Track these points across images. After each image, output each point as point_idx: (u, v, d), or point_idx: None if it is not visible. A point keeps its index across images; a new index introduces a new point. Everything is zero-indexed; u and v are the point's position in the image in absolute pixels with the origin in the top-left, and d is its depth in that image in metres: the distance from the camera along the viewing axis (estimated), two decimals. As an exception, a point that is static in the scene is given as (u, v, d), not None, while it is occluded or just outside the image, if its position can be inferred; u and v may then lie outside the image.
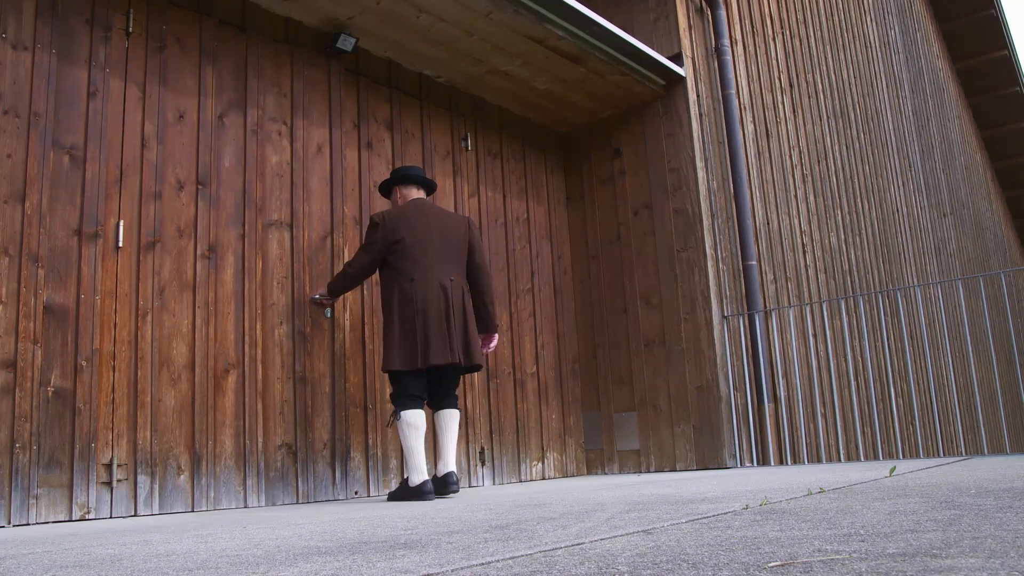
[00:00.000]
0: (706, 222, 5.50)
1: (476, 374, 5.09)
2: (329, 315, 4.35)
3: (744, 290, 5.68)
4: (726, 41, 6.02)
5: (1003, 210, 14.99)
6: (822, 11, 8.22)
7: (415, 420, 3.75)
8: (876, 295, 7.59)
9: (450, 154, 5.36)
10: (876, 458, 6.76)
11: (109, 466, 3.37)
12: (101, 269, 3.50)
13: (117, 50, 3.74)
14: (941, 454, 7.02)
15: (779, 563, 1.23)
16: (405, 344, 3.76)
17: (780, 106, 6.87)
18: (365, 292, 4.58)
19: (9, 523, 3.06)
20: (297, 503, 3.98)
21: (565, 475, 5.67)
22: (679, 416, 5.43)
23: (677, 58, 5.71)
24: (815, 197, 7.13)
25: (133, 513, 3.41)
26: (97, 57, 3.65)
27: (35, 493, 3.15)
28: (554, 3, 4.73)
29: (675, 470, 5.38)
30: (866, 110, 8.70)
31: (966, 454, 7.79)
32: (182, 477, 3.59)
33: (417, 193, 4.13)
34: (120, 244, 3.58)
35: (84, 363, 3.37)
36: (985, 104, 13.46)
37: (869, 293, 7.57)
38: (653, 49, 5.60)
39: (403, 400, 3.77)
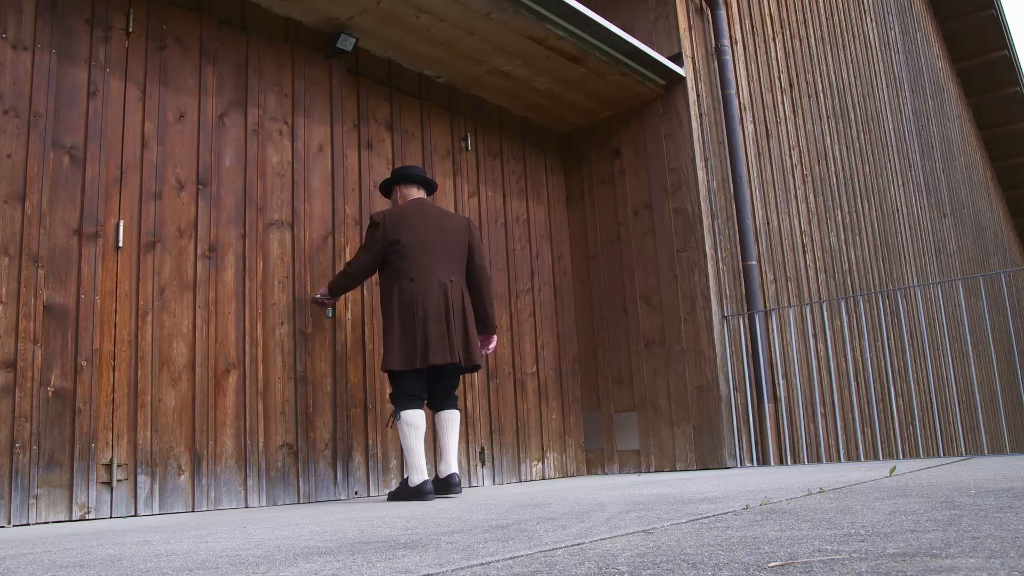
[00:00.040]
0: (706, 222, 5.50)
1: (476, 374, 5.09)
2: (331, 315, 4.35)
3: (744, 290, 5.68)
4: (726, 41, 6.02)
5: (1003, 210, 14.99)
6: (822, 11, 8.22)
7: (415, 420, 3.75)
8: (876, 295, 7.59)
9: (450, 154, 5.36)
10: (876, 458, 6.76)
11: (109, 466, 3.37)
12: (101, 269, 3.50)
13: (117, 50, 3.74)
14: (941, 454, 7.02)
15: (779, 563, 1.23)
16: (405, 344, 3.76)
17: (780, 106, 6.87)
18: (365, 292, 4.58)
19: (9, 523, 3.07)
20: (298, 503, 3.98)
21: (565, 475, 5.67)
22: (679, 416, 5.43)
23: (677, 58, 5.71)
24: (815, 197, 7.13)
25: (133, 513, 3.41)
26: (97, 57, 3.66)
27: (35, 493, 3.15)
28: (554, 3, 4.73)
29: (675, 470, 5.38)
30: (866, 110, 8.70)
31: (966, 454, 7.79)
32: (182, 477, 3.59)
33: (418, 193, 4.13)
34: (120, 244, 3.58)
35: (84, 363, 3.37)
36: (985, 104, 13.46)
37: (869, 293, 7.57)
38: (653, 49, 5.60)
39: (403, 400, 3.77)
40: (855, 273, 7.54)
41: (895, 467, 3.74)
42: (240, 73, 4.22)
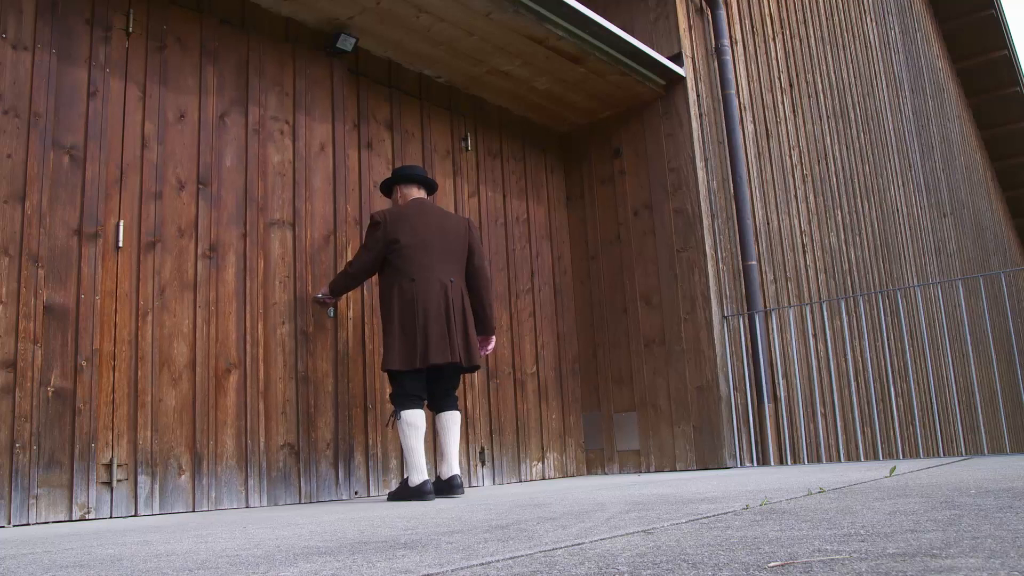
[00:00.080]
0: (706, 222, 5.51)
1: (476, 374, 5.09)
2: (332, 314, 4.35)
3: (744, 290, 5.68)
4: (726, 41, 6.02)
5: (1003, 210, 14.99)
6: (822, 11, 8.22)
7: (415, 420, 3.74)
8: (876, 295, 7.59)
9: (450, 154, 5.36)
10: (876, 458, 6.76)
11: (109, 466, 3.37)
12: (101, 269, 3.50)
13: (117, 50, 3.74)
14: (941, 454, 7.02)
15: (779, 563, 1.23)
16: (405, 343, 3.76)
17: (780, 106, 6.87)
18: (366, 291, 4.58)
19: (9, 523, 3.07)
20: (300, 503, 3.98)
21: (565, 475, 5.67)
22: (679, 416, 5.43)
23: (677, 58, 5.71)
24: (815, 197, 7.13)
25: (133, 513, 3.41)
26: (97, 57, 3.66)
27: (35, 493, 3.15)
28: (554, 3, 4.73)
29: (675, 470, 5.38)
30: (866, 110, 8.70)
31: (966, 454, 7.79)
32: (183, 477, 3.59)
33: (418, 193, 4.13)
34: (120, 244, 3.58)
35: (84, 363, 3.37)
36: (985, 104, 13.46)
37: (869, 293, 7.57)
38: (653, 49, 5.60)
39: (403, 400, 3.77)
40: (855, 273, 7.54)
41: (895, 467, 3.74)
42: (241, 72, 4.22)
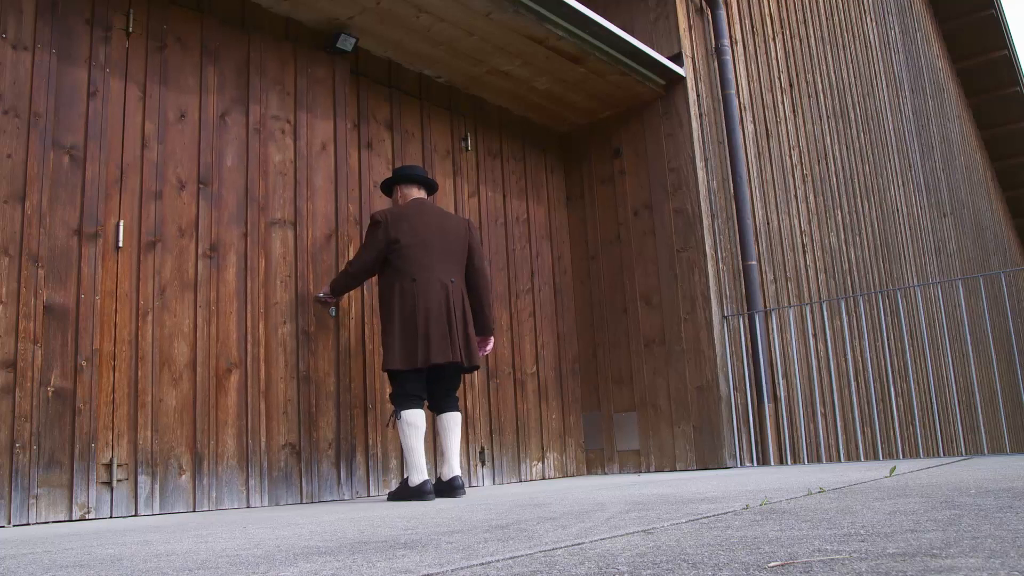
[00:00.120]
0: (706, 222, 5.51)
1: (476, 374, 5.10)
2: (334, 314, 4.35)
3: (744, 290, 5.68)
4: (726, 41, 6.02)
5: (1003, 210, 14.99)
6: (822, 11, 8.22)
7: (415, 420, 3.75)
8: (876, 295, 7.59)
9: (450, 154, 5.36)
10: (876, 458, 6.76)
11: (109, 466, 3.37)
12: (101, 269, 3.50)
13: (117, 50, 3.74)
14: (941, 454, 7.02)
15: (779, 563, 1.23)
16: (405, 343, 3.76)
17: (780, 106, 6.88)
18: (367, 291, 4.58)
19: (9, 523, 3.07)
20: (301, 503, 3.98)
21: (565, 475, 5.67)
22: (679, 416, 5.43)
23: (677, 58, 5.71)
24: (815, 197, 7.13)
25: (134, 513, 3.41)
26: (97, 57, 3.66)
27: (35, 493, 3.15)
28: (554, 3, 4.73)
29: (675, 470, 5.38)
30: (866, 110, 8.70)
31: (966, 454, 7.80)
32: (183, 477, 3.59)
33: (418, 193, 4.14)
34: (120, 244, 3.58)
35: (84, 363, 3.37)
36: (985, 104, 13.46)
37: (869, 293, 7.57)
38: (653, 49, 5.60)
39: (403, 400, 3.77)
40: (855, 273, 7.54)
41: (895, 467, 3.74)
42: (241, 72, 4.22)
